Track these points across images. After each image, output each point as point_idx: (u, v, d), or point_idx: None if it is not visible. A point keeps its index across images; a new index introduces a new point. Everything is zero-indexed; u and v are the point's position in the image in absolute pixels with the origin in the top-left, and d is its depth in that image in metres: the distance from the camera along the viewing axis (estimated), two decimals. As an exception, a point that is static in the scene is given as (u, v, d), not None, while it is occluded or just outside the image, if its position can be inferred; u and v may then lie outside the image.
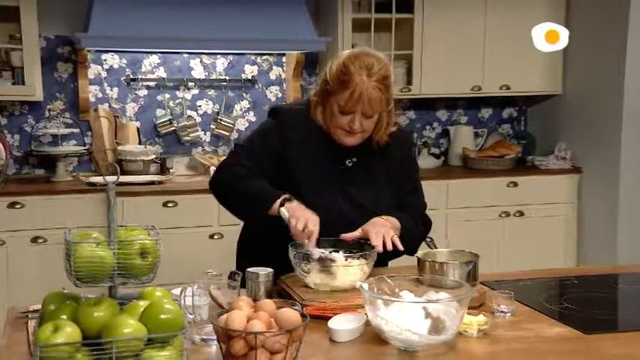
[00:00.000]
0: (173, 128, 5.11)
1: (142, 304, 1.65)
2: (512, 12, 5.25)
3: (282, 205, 2.38)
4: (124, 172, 4.84)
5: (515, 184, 5.19)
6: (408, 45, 5.18)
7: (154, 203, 4.52)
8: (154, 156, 4.93)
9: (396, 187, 2.62)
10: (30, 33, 4.52)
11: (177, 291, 2.01)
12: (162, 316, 1.59)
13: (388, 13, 5.10)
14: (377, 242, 2.34)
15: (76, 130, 4.94)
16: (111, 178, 1.66)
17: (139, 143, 5.06)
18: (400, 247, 2.41)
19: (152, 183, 4.64)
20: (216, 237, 4.55)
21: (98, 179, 4.63)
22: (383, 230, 2.40)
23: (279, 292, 2.30)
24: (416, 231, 2.60)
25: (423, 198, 2.73)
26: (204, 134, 5.26)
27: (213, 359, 1.80)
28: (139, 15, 4.61)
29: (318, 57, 5.29)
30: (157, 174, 4.91)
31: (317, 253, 2.29)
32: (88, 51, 4.87)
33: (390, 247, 2.37)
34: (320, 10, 5.29)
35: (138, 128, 5.11)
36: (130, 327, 1.53)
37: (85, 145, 4.97)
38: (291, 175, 2.50)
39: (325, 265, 2.27)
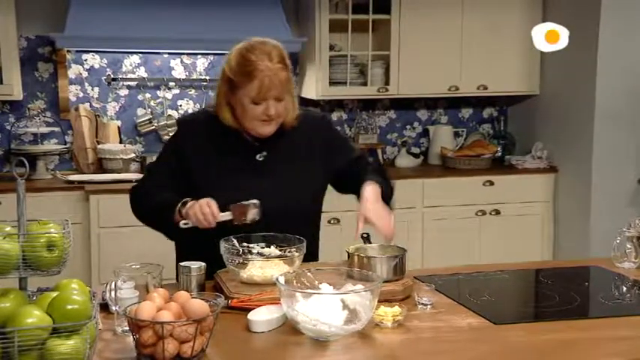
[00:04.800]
0: (153, 127, 5.19)
1: (54, 295, 1.71)
2: (489, 12, 5.28)
3: (179, 213, 2.45)
4: (104, 171, 4.93)
5: (492, 183, 5.22)
6: (385, 45, 5.22)
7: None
8: (133, 155, 4.99)
9: (325, 166, 2.64)
10: (8, 33, 4.60)
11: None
12: (69, 307, 1.64)
13: (365, 14, 5.13)
14: (388, 233, 2.41)
15: (57, 129, 5.03)
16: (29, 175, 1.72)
17: (120, 142, 5.13)
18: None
19: (129, 181, 4.70)
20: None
21: (77, 177, 4.71)
22: (384, 215, 2.43)
23: (215, 287, 2.36)
24: (386, 184, 2.62)
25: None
26: (185, 133, 5.30)
27: (129, 349, 1.86)
28: (116, 15, 4.68)
29: (296, 57, 5.33)
30: (138, 172, 4.98)
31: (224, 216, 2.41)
32: (68, 51, 4.96)
33: (394, 232, 2.43)
34: (298, 11, 5.35)
35: (119, 127, 5.18)
36: (34, 317, 1.59)
37: (65, 143, 5.06)
38: (199, 184, 2.55)
39: (256, 259, 2.33)
